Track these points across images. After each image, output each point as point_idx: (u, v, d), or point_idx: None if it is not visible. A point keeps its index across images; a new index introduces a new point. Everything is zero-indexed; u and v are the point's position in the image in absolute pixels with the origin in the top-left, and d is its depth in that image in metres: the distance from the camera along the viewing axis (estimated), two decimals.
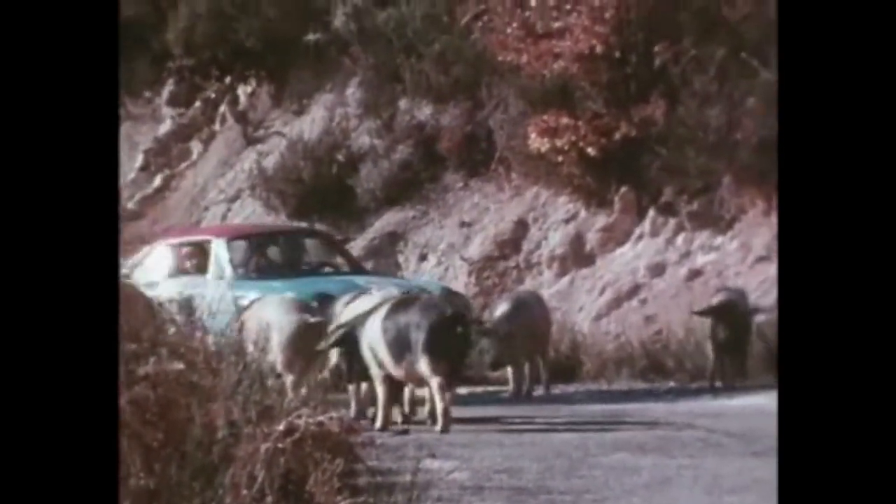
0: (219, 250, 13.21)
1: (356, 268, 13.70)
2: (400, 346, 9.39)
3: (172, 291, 12.79)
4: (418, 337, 9.33)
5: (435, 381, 9.23)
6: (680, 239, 15.41)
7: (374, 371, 9.54)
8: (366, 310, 9.87)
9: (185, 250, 13.65)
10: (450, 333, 9.31)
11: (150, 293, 12.46)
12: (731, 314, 11.91)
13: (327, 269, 13.48)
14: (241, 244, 13.51)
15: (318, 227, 17.44)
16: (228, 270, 13.02)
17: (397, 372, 9.46)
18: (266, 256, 13.66)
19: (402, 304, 9.68)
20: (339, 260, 13.97)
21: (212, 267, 13.12)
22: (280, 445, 5.20)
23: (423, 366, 9.23)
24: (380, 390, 9.50)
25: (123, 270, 13.68)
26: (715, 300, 12.23)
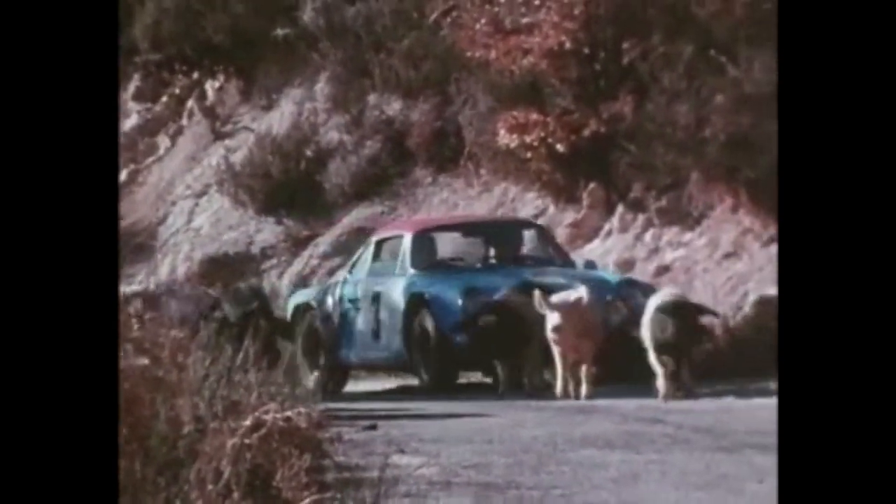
0: (405, 244, 12.94)
1: (565, 260, 13.28)
2: None
3: (369, 287, 12.62)
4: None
5: None
6: (648, 235, 15.43)
7: None
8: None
9: (385, 245, 13.39)
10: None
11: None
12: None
13: (529, 262, 13.05)
14: (429, 237, 13.17)
15: (288, 222, 17.40)
16: (408, 265, 12.75)
17: None
18: (472, 249, 13.26)
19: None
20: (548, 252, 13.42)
21: (399, 262, 12.89)
22: (247, 441, 5.17)
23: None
24: None
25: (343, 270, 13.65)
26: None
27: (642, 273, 15.19)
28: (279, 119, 18.63)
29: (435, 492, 6.41)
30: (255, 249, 17.50)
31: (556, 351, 10.83)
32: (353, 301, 12.78)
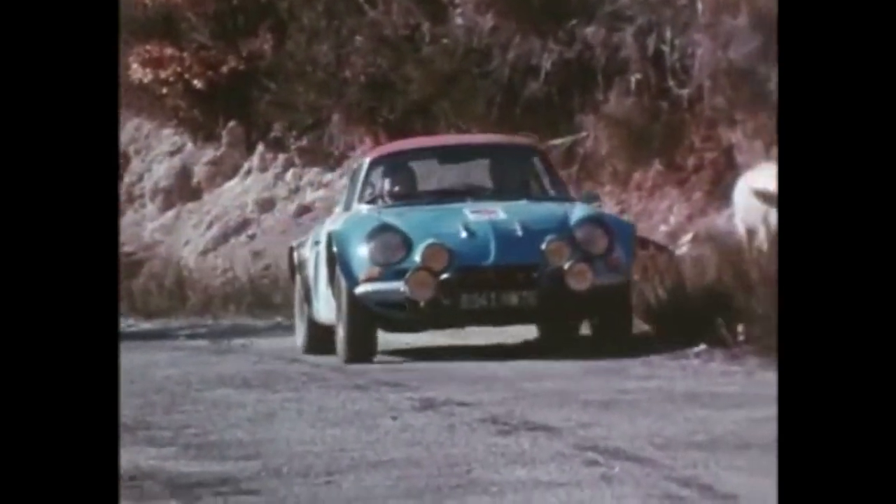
0: (360, 174, 10.11)
1: (558, 191, 10.01)
2: None
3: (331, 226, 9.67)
4: None
5: None
6: (289, 174, 15.41)
7: None
8: None
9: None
10: None
11: None
12: None
13: (486, 193, 9.75)
14: (390, 164, 10.15)
15: None
16: (356, 198, 9.87)
17: None
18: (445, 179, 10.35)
19: None
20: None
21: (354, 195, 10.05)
22: None
23: None
24: None
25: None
26: None
27: (282, 213, 15.15)
28: None
29: None
30: None
31: None
32: (318, 243, 9.85)
